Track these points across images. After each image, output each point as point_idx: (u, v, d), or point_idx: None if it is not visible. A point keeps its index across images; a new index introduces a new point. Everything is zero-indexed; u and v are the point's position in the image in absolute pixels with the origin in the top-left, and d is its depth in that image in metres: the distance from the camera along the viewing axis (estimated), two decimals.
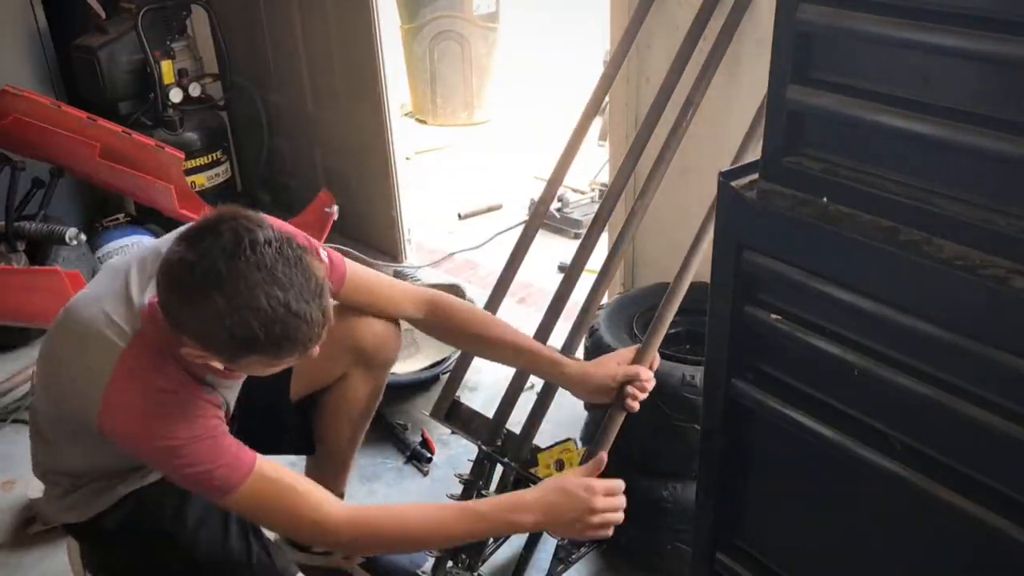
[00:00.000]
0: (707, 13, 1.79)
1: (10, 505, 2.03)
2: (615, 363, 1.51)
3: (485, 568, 1.69)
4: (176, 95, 3.05)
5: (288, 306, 1.08)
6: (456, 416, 1.77)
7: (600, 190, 3.55)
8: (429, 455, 2.15)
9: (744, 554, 1.22)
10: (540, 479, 1.55)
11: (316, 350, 1.17)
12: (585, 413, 1.90)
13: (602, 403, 1.51)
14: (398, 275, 3.06)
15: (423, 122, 5.02)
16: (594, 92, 1.89)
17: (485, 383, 2.41)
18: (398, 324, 1.62)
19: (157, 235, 3.04)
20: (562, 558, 1.71)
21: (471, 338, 1.57)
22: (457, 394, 1.80)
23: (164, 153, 2.81)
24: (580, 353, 1.79)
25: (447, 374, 1.87)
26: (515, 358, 1.58)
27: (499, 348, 1.55)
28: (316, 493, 1.25)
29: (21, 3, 2.87)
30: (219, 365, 1.17)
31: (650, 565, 1.77)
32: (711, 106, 1.83)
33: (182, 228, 1.16)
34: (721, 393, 1.11)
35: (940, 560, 0.97)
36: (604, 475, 1.54)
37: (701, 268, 1.50)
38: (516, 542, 1.68)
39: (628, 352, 1.53)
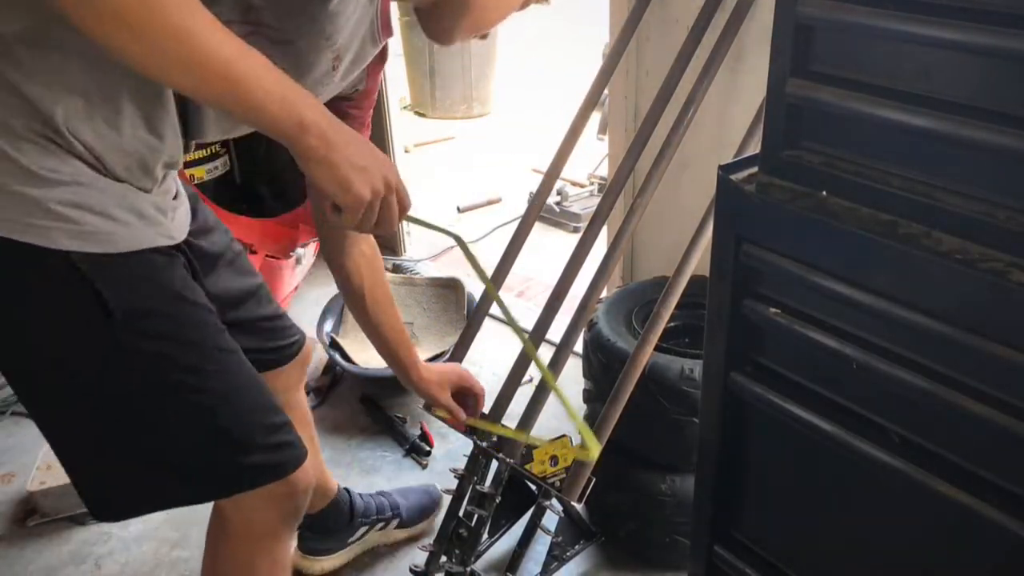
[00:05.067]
0: (711, 8, 1.79)
1: (10, 497, 2.03)
2: (442, 381, 1.62)
3: (479, 564, 1.69)
4: None
5: None
6: None
7: (599, 184, 3.55)
8: (428, 448, 2.15)
9: (742, 547, 1.22)
10: (535, 475, 1.56)
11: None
12: (582, 408, 1.90)
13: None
14: (397, 269, 3.06)
15: (422, 115, 5.02)
16: (592, 85, 1.88)
17: (484, 376, 2.41)
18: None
19: None
20: (556, 555, 1.71)
21: (378, 309, 1.53)
22: None
23: None
24: (579, 346, 1.80)
25: None
26: (387, 344, 1.57)
27: (387, 332, 1.55)
28: None
29: None
30: None
31: (648, 558, 1.77)
32: (712, 101, 1.83)
33: None
34: (719, 386, 1.11)
35: (938, 553, 0.97)
36: (603, 470, 1.55)
37: (700, 262, 1.50)
38: (511, 538, 1.69)
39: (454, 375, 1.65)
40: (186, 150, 1.09)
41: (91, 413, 1.03)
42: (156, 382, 1.03)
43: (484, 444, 1.65)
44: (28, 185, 0.90)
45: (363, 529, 1.83)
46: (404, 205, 0.99)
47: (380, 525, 1.84)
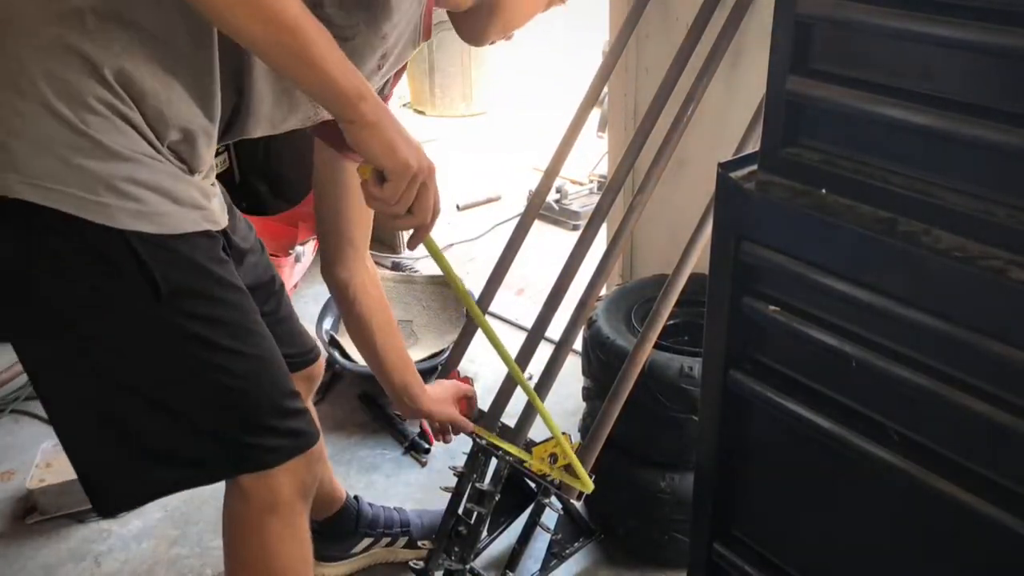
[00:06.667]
0: (711, 6, 1.79)
1: (9, 495, 2.03)
2: (448, 398, 1.65)
3: (478, 562, 1.69)
4: None
5: None
6: None
7: (599, 182, 3.55)
8: (427, 446, 2.15)
9: (742, 544, 1.22)
10: (534, 473, 1.56)
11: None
12: (581, 406, 1.90)
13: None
14: (396, 266, 3.06)
15: (421, 113, 5.01)
16: (592, 83, 1.88)
17: (483, 373, 2.42)
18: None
19: None
20: (556, 552, 1.71)
21: (383, 335, 1.56)
22: None
23: None
24: (578, 344, 1.79)
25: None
26: (393, 372, 1.61)
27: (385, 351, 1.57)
28: None
29: None
30: None
31: (648, 556, 1.77)
32: (712, 98, 1.83)
33: None
34: (719, 384, 1.11)
35: (937, 551, 0.97)
36: (602, 466, 1.55)
37: (700, 259, 1.50)
38: (510, 536, 1.69)
39: (455, 389, 1.68)
40: (222, 142, 1.13)
41: (115, 390, 1.04)
42: (192, 361, 1.05)
43: (483, 442, 1.65)
44: (92, 158, 0.92)
45: (368, 540, 1.81)
46: (437, 205, 1.06)
47: (387, 540, 1.82)
